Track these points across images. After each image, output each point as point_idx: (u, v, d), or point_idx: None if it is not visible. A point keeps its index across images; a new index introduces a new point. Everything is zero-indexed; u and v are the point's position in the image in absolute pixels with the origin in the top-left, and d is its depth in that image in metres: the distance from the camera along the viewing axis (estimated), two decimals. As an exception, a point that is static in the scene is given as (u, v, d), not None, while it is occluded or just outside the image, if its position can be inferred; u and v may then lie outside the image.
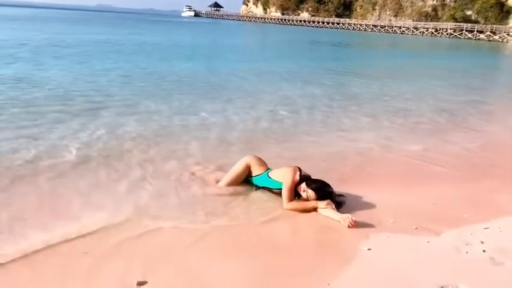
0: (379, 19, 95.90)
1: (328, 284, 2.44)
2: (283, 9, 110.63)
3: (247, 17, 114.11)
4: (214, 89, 9.81)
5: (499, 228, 3.22)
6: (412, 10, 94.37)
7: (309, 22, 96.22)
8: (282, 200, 3.61)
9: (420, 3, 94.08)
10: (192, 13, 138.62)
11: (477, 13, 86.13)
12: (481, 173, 4.96)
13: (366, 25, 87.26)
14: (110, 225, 3.11)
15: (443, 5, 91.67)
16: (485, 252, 2.84)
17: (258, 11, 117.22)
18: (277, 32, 57.44)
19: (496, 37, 70.55)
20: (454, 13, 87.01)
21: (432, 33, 77.08)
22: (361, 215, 3.38)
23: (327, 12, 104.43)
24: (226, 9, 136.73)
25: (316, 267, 2.67)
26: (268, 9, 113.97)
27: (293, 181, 3.57)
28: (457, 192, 4.20)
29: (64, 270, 2.52)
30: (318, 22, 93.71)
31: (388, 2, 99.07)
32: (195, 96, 8.58)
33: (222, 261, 2.72)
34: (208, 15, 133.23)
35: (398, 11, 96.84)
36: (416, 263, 2.71)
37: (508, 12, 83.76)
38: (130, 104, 7.43)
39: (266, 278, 2.55)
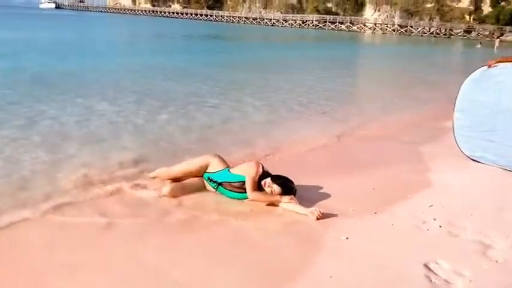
0: (250, 11, 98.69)
1: (331, 277, 2.51)
2: (154, 1, 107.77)
3: (115, 9, 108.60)
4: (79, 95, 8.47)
5: (442, 204, 3.61)
6: (280, 2, 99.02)
7: (182, 14, 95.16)
8: (237, 201, 3.63)
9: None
10: (53, 5, 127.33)
11: (336, 5, 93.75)
12: (393, 156, 5.50)
13: (238, 17, 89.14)
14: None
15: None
16: (441, 228, 3.17)
17: (127, 2, 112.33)
18: (149, 25, 55.58)
19: (355, 27, 77.74)
20: (317, 5, 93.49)
21: (300, 24, 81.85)
22: (320, 207, 3.51)
23: (198, 4, 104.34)
24: (91, 1, 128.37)
25: (306, 263, 2.71)
26: (137, 1, 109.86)
27: (257, 173, 3.60)
28: (385, 175, 4.59)
29: None
30: (191, 14, 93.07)
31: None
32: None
33: (200, 264, 2.63)
34: (71, 7, 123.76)
35: (267, 3, 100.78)
36: (393, 245, 2.92)
37: (362, 5, 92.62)
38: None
39: (258, 279, 2.52)
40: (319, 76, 13.77)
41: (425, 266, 2.62)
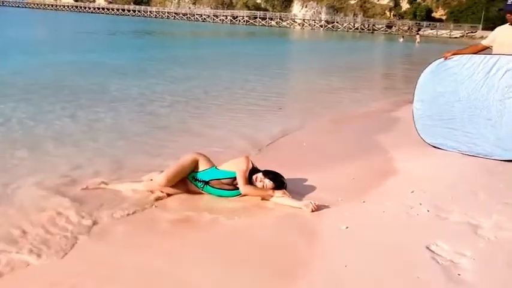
0: (179, 7, 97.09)
1: (346, 266, 2.55)
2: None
3: (34, 4, 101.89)
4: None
5: (422, 190, 3.80)
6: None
7: (107, 10, 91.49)
8: (225, 199, 3.59)
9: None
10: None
11: (265, 1, 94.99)
12: (359, 147, 5.70)
13: (168, 13, 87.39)
14: None
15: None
16: (429, 212, 3.33)
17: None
18: (72, 21, 52.75)
19: (284, 23, 79.22)
20: (247, 1, 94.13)
21: (231, 20, 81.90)
22: (309, 199, 3.55)
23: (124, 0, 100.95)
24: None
25: (315, 254, 2.74)
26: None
27: (247, 167, 3.58)
28: (358, 165, 4.74)
29: None
30: (118, 9, 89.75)
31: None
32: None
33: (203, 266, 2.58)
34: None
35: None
36: (391, 231, 3.02)
37: (290, 1, 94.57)
38: None
39: (266, 277, 2.51)
40: (262, 72, 13.89)
41: (428, 248, 2.75)
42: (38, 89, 8.37)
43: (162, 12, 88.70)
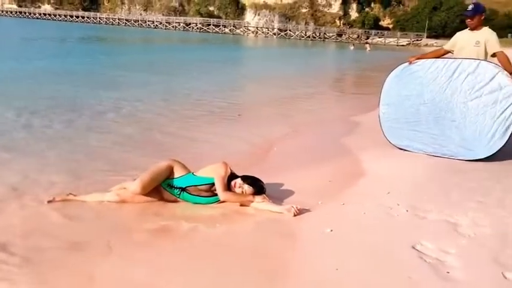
0: (129, 13, 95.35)
1: (337, 269, 2.52)
2: (20, 1, 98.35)
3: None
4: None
5: (397, 190, 3.85)
6: (161, 5, 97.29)
7: (54, 16, 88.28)
8: (203, 206, 3.49)
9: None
10: None
11: (218, 9, 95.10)
12: (327, 151, 5.75)
13: (118, 19, 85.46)
14: None
15: (189, 1, 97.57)
16: (408, 212, 3.37)
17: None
18: (16, 27, 50.38)
19: (238, 31, 79.60)
20: (199, 8, 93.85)
21: (184, 27, 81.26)
22: (289, 203, 3.51)
23: (72, 6, 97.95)
24: None
25: (305, 258, 2.70)
26: (0, 1, 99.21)
27: (226, 172, 3.50)
28: (331, 168, 4.78)
29: None
30: (65, 16, 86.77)
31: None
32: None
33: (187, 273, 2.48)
34: None
35: (147, 5, 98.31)
36: (375, 233, 3.03)
37: (242, 9, 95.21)
38: None
39: (254, 283, 2.45)
40: (219, 78, 13.83)
41: (414, 248, 2.77)
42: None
43: (112, 18, 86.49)
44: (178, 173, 3.60)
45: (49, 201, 3.48)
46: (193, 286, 2.42)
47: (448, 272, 2.47)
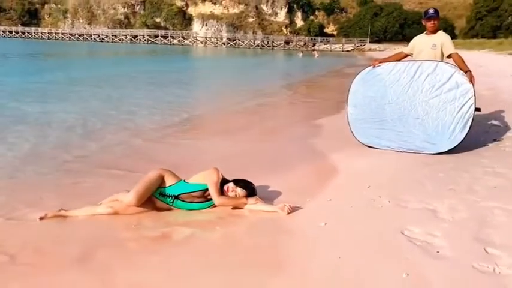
0: (73, 27, 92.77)
1: (339, 257, 2.73)
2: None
3: None
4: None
5: (375, 184, 4.13)
6: (106, 18, 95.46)
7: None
8: (197, 212, 3.61)
9: (112, 11, 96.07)
10: None
11: (165, 20, 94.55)
12: (299, 153, 6.00)
13: (62, 33, 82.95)
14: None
15: (134, 13, 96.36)
16: (390, 202, 3.65)
17: None
18: None
19: (187, 42, 79.39)
20: (146, 20, 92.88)
21: (131, 39, 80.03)
22: (279, 202, 3.69)
23: (10, 21, 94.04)
24: None
25: (307, 251, 2.89)
26: None
27: (218, 177, 3.62)
28: (310, 168, 5.02)
29: None
30: (4, 31, 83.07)
31: (80, 10, 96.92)
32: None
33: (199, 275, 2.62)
34: None
35: (91, 19, 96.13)
36: (365, 222, 3.26)
37: (190, 19, 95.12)
38: None
39: (266, 275, 2.61)
40: (173, 90, 13.86)
41: (402, 233, 3.03)
42: None
43: (55, 33, 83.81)
44: (169, 181, 3.69)
45: (41, 218, 3.47)
46: (205, 286, 2.53)
47: (438, 252, 2.74)
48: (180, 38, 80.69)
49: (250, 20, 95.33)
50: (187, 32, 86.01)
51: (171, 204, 3.65)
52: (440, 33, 5.46)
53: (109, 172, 4.86)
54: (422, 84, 5.22)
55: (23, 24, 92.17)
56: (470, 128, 5.02)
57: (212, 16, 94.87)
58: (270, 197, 3.87)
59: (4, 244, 3.02)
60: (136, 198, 3.50)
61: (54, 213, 3.55)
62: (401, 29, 76.56)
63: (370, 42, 76.57)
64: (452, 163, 4.77)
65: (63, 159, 5.37)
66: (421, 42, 5.55)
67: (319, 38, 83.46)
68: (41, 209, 3.58)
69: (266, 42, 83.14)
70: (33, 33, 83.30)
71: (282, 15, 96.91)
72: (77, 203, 3.69)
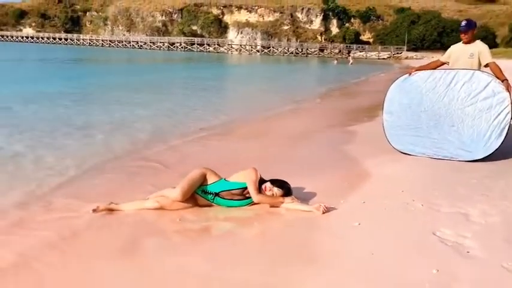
0: (112, 34, 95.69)
1: (372, 253, 2.88)
2: (1, 25, 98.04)
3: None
4: None
5: (409, 189, 4.24)
6: (144, 25, 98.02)
7: (37, 38, 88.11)
8: (236, 209, 3.83)
9: (150, 19, 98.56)
10: None
11: (201, 28, 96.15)
12: (333, 157, 6.14)
13: (102, 40, 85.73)
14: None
15: (172, 21, 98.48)
16: (423, 206, 3.76)
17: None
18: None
19: (222, 49, 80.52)
20: (183, 28, 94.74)
21: (168, 47, 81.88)
22: (314, 203, 3.87)
23: (54, 28, 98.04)
24: None
25: (339, 248, 3.05)
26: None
27: (257, 177, 3.84)
28: (345, 171, 5.16)
29: None
30: (48, 38, 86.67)
31: (119, 17, 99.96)
32: None
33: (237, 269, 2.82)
34: None
35: (130, 26, 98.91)
36: (398, 223, 3.40)
37: (225, 27, 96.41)
38: None
39: (306, 266, 2.79)
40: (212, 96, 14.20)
41: (434, 234, 3.16)
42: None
43: (96, 39, 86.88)
44: (211, 179, 3.93)
45: (94, 210, 3.77)
46: (249, 274, 2.74)
47: (468, 252, 2.86)
48: (216, 46, 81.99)
49: (285, 27, 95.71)
50: (222, 39, 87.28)
51: (211, 201, 3.89)
52: (478, 42, 5.52)
53: (154, 167, 5.18)
54: (458, 93, 5.28)
55: (66, 31, 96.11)
56: (506, 136, 5.04)
57: (247, 24, 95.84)
58: (304, 198, 4.05)
59: (63, 232, 3.34)
60: (181, 194, 3.76)
61: (105, 206, 3.85)
62: (440, 38, 74.99)
63: (407, 50, 75.40)
64: (487, 170, 4.81)
65: (123, 159, 5.75)
66: (458, 51, 5.61)
67: (354, 46, 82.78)
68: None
69: (300, 50, 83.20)
70: (75, 40, 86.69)
71: (317, 23, 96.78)
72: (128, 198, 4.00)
